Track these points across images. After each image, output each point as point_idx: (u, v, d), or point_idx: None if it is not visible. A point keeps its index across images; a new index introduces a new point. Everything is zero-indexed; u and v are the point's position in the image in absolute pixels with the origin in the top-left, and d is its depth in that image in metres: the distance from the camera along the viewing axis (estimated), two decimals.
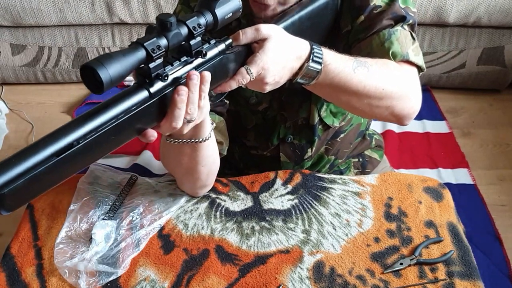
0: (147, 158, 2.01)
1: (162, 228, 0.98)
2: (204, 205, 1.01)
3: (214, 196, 1.03)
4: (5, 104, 2.35)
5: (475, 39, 2.20)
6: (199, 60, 0.76)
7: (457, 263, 0.91)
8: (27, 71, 2.39)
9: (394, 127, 2.11)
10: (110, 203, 1.01)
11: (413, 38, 0.98)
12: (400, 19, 0.96)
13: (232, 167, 1.25)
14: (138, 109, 0.70)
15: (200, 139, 0.87)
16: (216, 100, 0.86)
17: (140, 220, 0.98)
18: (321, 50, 0.86)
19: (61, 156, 0.63)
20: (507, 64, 2.24)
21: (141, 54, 0.68)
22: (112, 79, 0.64)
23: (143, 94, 0.71)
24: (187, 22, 0.72)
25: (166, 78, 0.71)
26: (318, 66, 0.85)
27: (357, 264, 0.91)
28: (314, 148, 1.15)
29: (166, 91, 0.73)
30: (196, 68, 0.76)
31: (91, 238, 0.93)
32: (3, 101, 2.36)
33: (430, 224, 0.97)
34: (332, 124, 1.12)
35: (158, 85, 0.71)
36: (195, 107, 0.75)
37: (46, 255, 0.94)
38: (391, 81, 0.91)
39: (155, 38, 0.69)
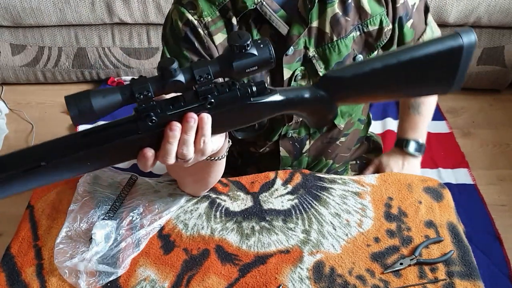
0: None
1: (162, 228, 0.98)
2: (204, 205, 1.01)
3: (214, 196, 1.03)
4: (5, 104, 2.35)
5: None
6: (203, 107, 0.72)
7: (457, 263, 0.91)
8: (27, 71, 2.39)
9: (394, 127, 2.11)
10: (110, 203, 1.01)
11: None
12: (426, 10, 1.12)
13: (230, 165, 1.25)
14: (121, 141, 0.70)
15: (216, 158, 0.87)
16: (245, 135, 0.84)
17: (140, 220, 0.98)
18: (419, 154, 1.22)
19: (27, 172, 0.67)
20: (507, 64, 2.24)
21: (125, 95, 0.66)
22: (96, 110, 0.65)
23: (131, 127, 0.70)
24: (194, 70, 0.68)
25: (153, 122, 0.69)
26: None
27: (357, 264, 0.91)
28: (313, 141, 1.15)
29: (157, 131, 0.71)
30: (197, 110, 0.72)
31: (91, 238, 0.93)
32: (3, 101, 2.37)
33: (430, 224, 0.97)
34: (338, 124, 1.12)
35: (147, 124, 0.70)
36: (188, 149, 0.72)
37: (46, 255, 0.94)
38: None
39: (147, 83, 0.66)
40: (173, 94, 0.71)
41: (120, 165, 2.00)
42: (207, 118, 0.72)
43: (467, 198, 1.85)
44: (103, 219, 0.98)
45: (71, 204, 1.01)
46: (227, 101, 0.73)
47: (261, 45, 0.69)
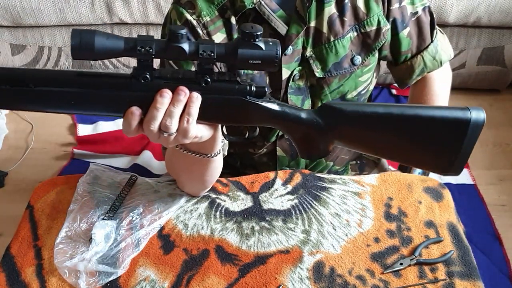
0: (147, 158, 2.01)
1: (162, 228, 0.98)
2: (204, 205, 1.01)
3: (214, 196, 1.03)
4: None
5: (475, 39, 2.20)
6: (198, 86, 0.73)
7: (457, 263, 0.91)
8: None
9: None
10: (110, 203, 1.01)
11: (442, 33, 1.14)
12: (432, 26, 1.10)
13: (229, 166, 1.25)
14: (112, 92, 0.71)
15: (208, 155, 0.87)
16: (233, 139, 0.84)
17: (140, 220, 0.98)
18: None
19: (12, 88, 0.69)
20: (507, 64, 2.24)
21: (127, 44, 0.67)
22: (95, 48, 0.66)
23: (125, 82, 0.71)
24: (199, 44, 0.69)
25: (146, 80, 0.70)
26: None
27: (357, 264, 0.91)
28: None
29: (147, 94, 0.71)
30: (190, 88, 0.73)
31: (91, 238, 0.93)
32: None
33: (430, 224, 0.97)
34: None
35: (140, 82, 0.71)
36: (172, 122, 0.72)
37: (46, 255, 0.94)
38: None
39: (152, 41, 0.68)
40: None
41: (120, 165, 2.00)
42: (196, 97, 0.72)
43: (467, 198, 1.86)
44: (103, 219, 0.98)
45: (71, 204, 1.01)
46: (223, 89, 0.74)
47: (270, 43, 0.70)
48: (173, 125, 0.72)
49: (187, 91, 0.72)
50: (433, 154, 0.79)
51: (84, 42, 0.66)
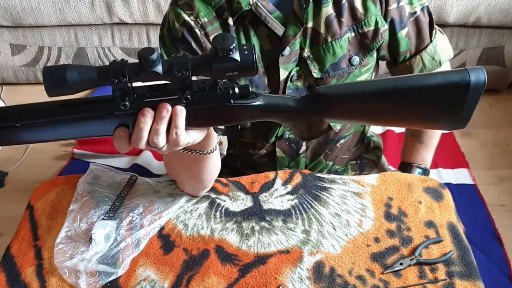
0: (147, 158, 2.01)
1: (162, 228, 0.98)
2: (204, 205, 1.01)
3: (214, 196, 1.03)
4: (5, 104, 2.35)
5: (475, 39, 2.20)
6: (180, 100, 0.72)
7: (457, 263, 0.90)
8: (27, 71, 2.39)
9: (394, 127, 2.11)
10: (110, 203, 1.01)
11: (441, 33, 1.13)
12: (431, 26, 1.09)
13: (229, 166, 1.25)
14: (96, 118, 0.72)
15: (204, 152, 0.87)
16: (225, 133, 0.84)
17: (140, 220, 0.98)
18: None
19: (2, 129, 0.71)
20: (507, 64, 2.24)
21: (100, 76, 0.67)
22: (69, 83, 0.66)
23: (107, 106, 0.71)
24: (173, 64, 0.68)
25: (125, 106, 0.70)
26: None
27: (357, 264, 0.91)
28: (309, 142, 1.14)
29: (131, 113, 0.72)
30: (172, 102, 0.72)
31: (91, 238, 0.93)
32: (2, 101, 2.36)
33: (430, 224, 0.97)
34: (334, 125, 1.12)
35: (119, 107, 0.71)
36: (159, 139, 0.71)
37: (46, 255, 0.94)
38: None
39: (125, 69, 0.67)
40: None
41: (120, 165, 2.00)
42: (180, 110, 0.72)
43: (467, 198, 1.85)
44: (103, 219, 0.98)
45: (71, 204, 1.01)
46: (206, 99, 0.73)
47: (246, 51, 0.68)
48: (161, 141, 0.72)
49: (169, 107, 0.71)
50: (432, 117, 0.76)
51: (56, 82, 0.66)
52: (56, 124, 0.72)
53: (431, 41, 1.10)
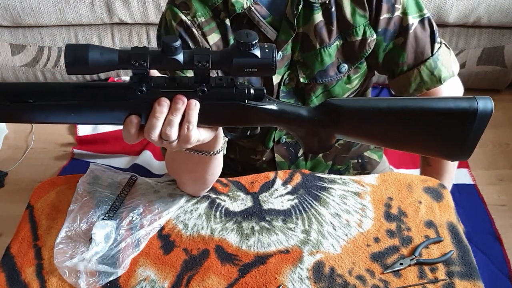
0: (147, 158, 2.01)
1: (162, 228, 0.98)
2: (204, 205, 1.01)
3: (214, 196, 1.03)
4: None
5: (475, 39, 2.20)
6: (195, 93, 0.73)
7: (457, 263, 0.90)
8: (27, 71, 2.39)
9: None
10: (110, 203, 1.01)
11: (447, 48, 1.06)
12: (432, 40, 1.04)
13: (230, 169, 1.25)
14: (110, 103, 0.72)
15: (210, 153, 0.87)
16: (234, 137, 0.84)
17: (140, 220, 0.98)
18: None
19: (14, 103, 0.70)
20: (507, 64, 2.24)
21: (121, 58, 0.67)
22: (89, 63, 0.67)
23: (122, 92, 0.71)
24: (194, 54, 0.68)
25: (142, 92, 0.70)
26: None
27: (357, 264, 0.91)
28: None
29: (146, 102, 0.72)
30: (189, 95, 0.72)
31: (91, 238, 0.93)
32: None
33: (430, 224, 0.97)
34: None
35: (136, 93, 0.71)
36: (172, 130, 0.71)
37: (46, 255, 0.94)
38: None
39: (146, 54, 0.67)
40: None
41: (120, 165, 2.00)
42: (194, 104, 0.72)
43: (467, 198, 1.85)
44: (103, 219, 0.98)
45: (71, 204, 1.01)
46: (221, 95, 0.74)
47: (266, 49, 0.69)
48: (173, 133, 0.72)
49: (184, 99, 0.71)
50: (437, 143, 0.77)
51: (77, 59, 0.67)
52: (68, 106, 0.71)
53: (432, 55, 1.04)
